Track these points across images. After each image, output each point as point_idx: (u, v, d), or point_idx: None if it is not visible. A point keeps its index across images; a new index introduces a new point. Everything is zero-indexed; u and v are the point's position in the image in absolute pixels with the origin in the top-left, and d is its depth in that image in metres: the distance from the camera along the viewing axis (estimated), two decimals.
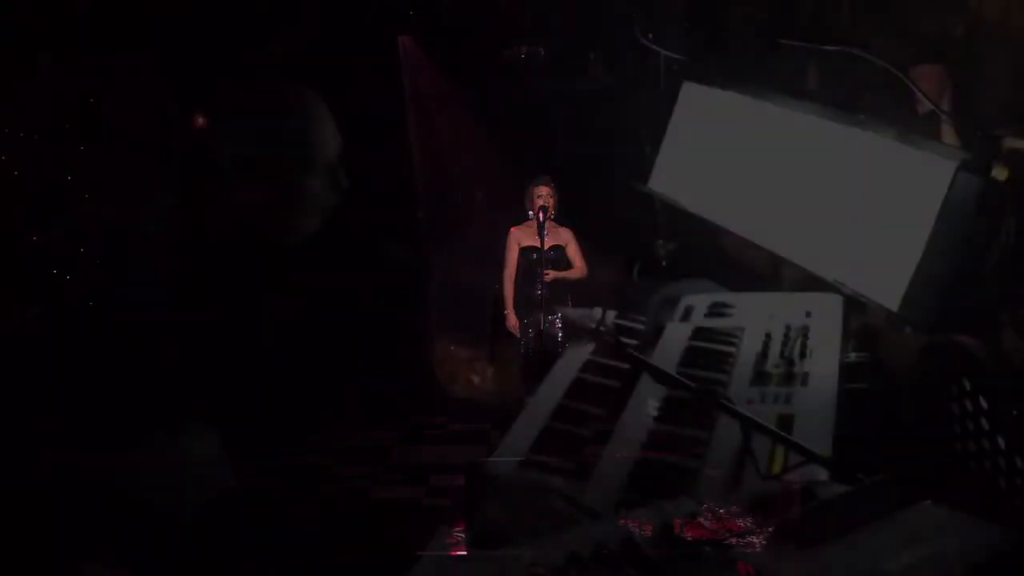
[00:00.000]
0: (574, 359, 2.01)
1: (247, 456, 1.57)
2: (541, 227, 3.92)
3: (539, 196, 4.13)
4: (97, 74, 4.09)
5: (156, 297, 1.68)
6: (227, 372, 1.52)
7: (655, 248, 4.25)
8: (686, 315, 2.13)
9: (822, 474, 1.28)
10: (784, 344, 1.87)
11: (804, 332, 1.89)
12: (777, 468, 1.41)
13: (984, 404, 1.36)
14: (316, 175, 1.61)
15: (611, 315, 2.25)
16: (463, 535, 1.37)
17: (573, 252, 4.22)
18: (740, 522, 1.01)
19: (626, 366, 1.90)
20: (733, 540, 0.97)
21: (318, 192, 1.63)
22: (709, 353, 1.90)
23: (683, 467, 1.51)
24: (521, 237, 4.23)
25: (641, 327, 2.19)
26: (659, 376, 1.50)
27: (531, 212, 4.17)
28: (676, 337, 2.00)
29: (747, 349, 1.89)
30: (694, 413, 1.65)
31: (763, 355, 1.85)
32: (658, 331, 2.06)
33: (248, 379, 1.52)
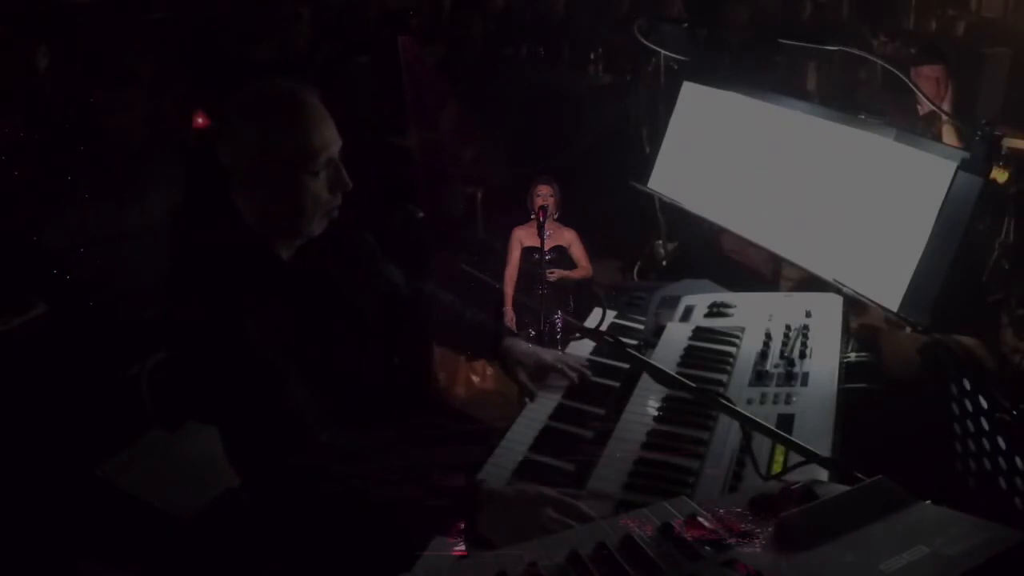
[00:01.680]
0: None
1: (247, 456, 1.57)
2: (541, 227, 3.92)
3: (539, 196, 4.12)
4: (97, 73, 4.09)
5: (154, 298, 1.68)
6: (227, 373, 1.52)
7: (655, 248, 4.25)
8: (686, 315, 2.13)
9: (822, 474, 1.28)
10: (784, 344, 1.87)
11: (804, 332, 1.89)
12: (777, 468, 1.41)
13: (984, 404, 1.35)
14: (318, 176, 1.61)
15: (611, 315, 2.25)
16: (463, 535, 1.38)
17: (578, 253, 4.21)
18: (740, 522, 1.01)
19: (626, 366, 1.90)
20: (733, 540, 0.97)
21: (321, 193, 1.63)
22: (709, 353, 1.90)
23: (683, 467, 1.51)
24: (524, 237, 4.22)
25: (641, 327, 2.19)
26: (659, 376, 1.50)
27: (533, 213, 4.16)
28: (676, 337, 2.00)
29: (747, 349, 1.89)
30: (694, 413, 1.66)
31: (763, 355, 1.85)
32: (658, 331, 2.06)
33: (248, 379, 1.52)
